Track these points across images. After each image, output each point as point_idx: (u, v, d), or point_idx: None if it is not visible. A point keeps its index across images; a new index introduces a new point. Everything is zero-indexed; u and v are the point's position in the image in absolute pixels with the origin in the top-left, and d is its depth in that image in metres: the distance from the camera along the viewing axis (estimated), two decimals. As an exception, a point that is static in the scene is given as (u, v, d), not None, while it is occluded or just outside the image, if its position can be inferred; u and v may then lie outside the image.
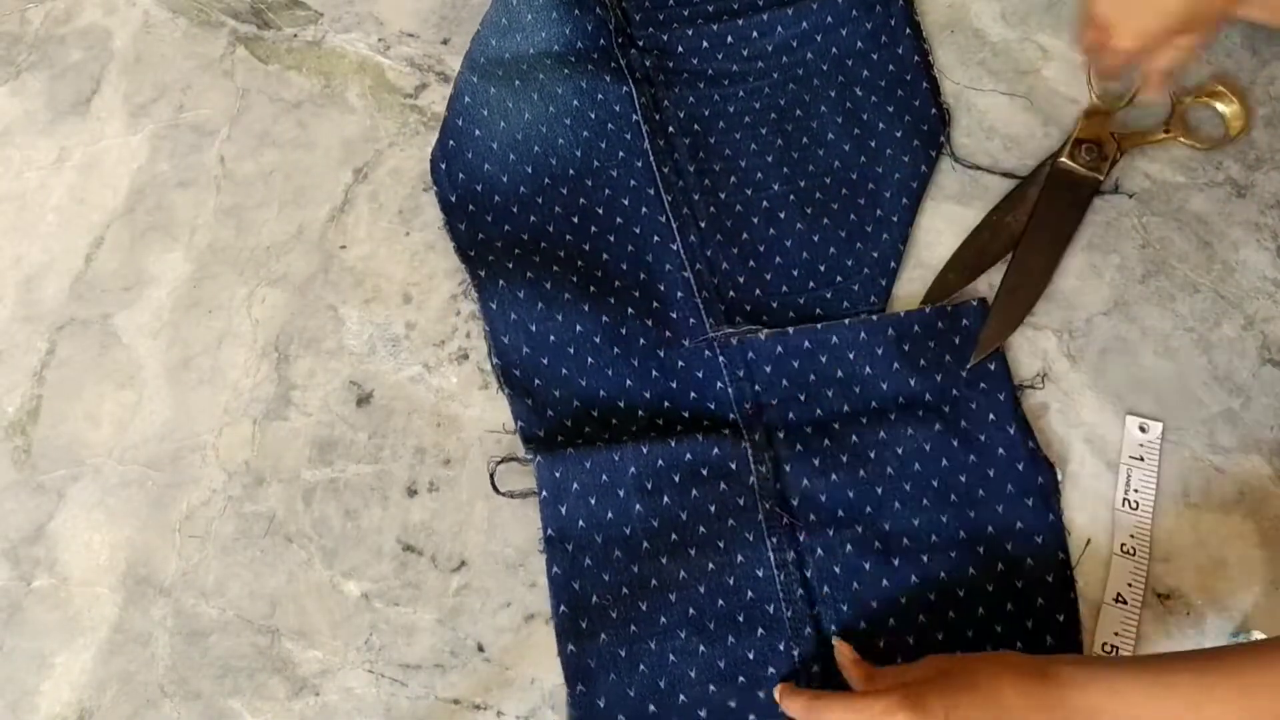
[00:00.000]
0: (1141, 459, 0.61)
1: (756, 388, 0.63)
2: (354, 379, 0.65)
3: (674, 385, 0.64)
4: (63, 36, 0.76)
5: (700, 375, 0.64)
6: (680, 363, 0.64)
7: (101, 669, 0.60)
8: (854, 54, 0.71)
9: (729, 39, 0.72)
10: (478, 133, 0.70)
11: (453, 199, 0.68)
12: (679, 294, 0.66)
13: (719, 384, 0.63)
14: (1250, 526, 0.59)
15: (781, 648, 0.57)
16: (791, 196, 0.68)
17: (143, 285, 0.68)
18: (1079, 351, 0.64)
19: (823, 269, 0.67)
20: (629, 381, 0.64)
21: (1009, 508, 0.60)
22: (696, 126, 0.70)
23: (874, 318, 0.64)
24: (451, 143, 0.70)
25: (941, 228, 0.67)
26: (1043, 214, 0.66)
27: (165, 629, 0.61)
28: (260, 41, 0.75)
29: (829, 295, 0.66)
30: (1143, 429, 0.61)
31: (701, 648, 0.57)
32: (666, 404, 0.63)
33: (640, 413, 0.63)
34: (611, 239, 0.67)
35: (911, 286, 0.66)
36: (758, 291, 0.66)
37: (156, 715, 0.59)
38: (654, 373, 0.64)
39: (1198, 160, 0.68)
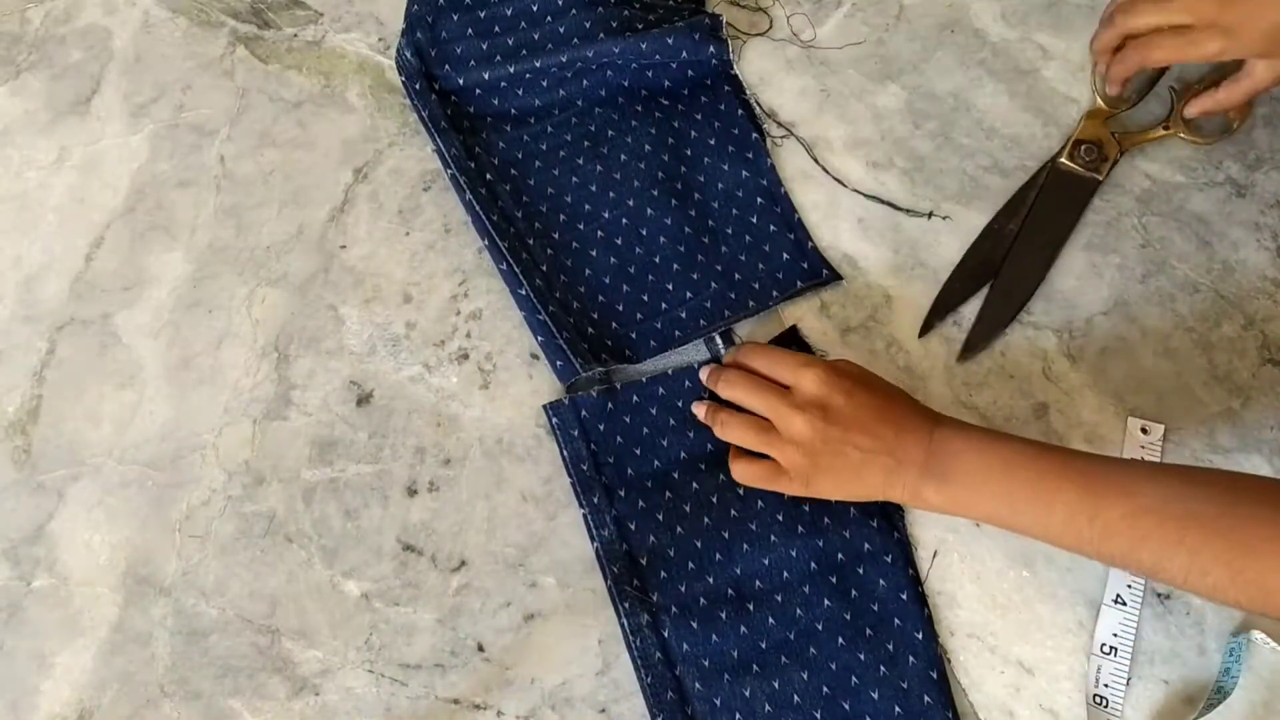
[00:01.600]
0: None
1: (592, 446, 0.62)
2: (354, 379, 0.65)
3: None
4: (63, 36, 0.76)
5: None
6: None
7: (102, 669, 0.60)
8: (655, 66, 0.70)
9: (527, 75, 0.70)
10: None
11: None
12: (540, 338, 0.64)
13: (552, 448, 0.63)
14: (1250, 526, 0.59)
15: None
16: (624, 220, 0.68)
17: (143, 285, 0.68)
18: (1079, 351, 0.64)
19: (670, 288, 0.66)
20: None
21: (855, 532, 0.59)
22: (513, 170, 0.69)
23: (695, 363, 0.63)
24: None
25: (940, 227, 0.67)
26: (1039, 214, 0.66)
27: (165, 629, 0.61)
28: (260, 41, 0.75)
29: (683, 314, 0.65)
30: (1144, 430, 0.61)
31: None
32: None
33: None
34: None
35: (913, 287, 0.66)
36: (614, 324, 0.65)
37: (156, 715, 0.59)
38: None
39: (1198, 160, 0.67)
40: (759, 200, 0.68)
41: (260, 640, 0.60)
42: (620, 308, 0.66)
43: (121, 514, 0.63)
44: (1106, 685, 0.57)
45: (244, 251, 0.69)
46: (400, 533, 0.62)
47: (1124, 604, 0.58)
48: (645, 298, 0.66)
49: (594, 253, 0.67)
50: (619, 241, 0.67)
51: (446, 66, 0.71)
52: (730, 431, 0.59)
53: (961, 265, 0.66)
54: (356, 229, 0.69)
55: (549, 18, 0.72)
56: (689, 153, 0.69)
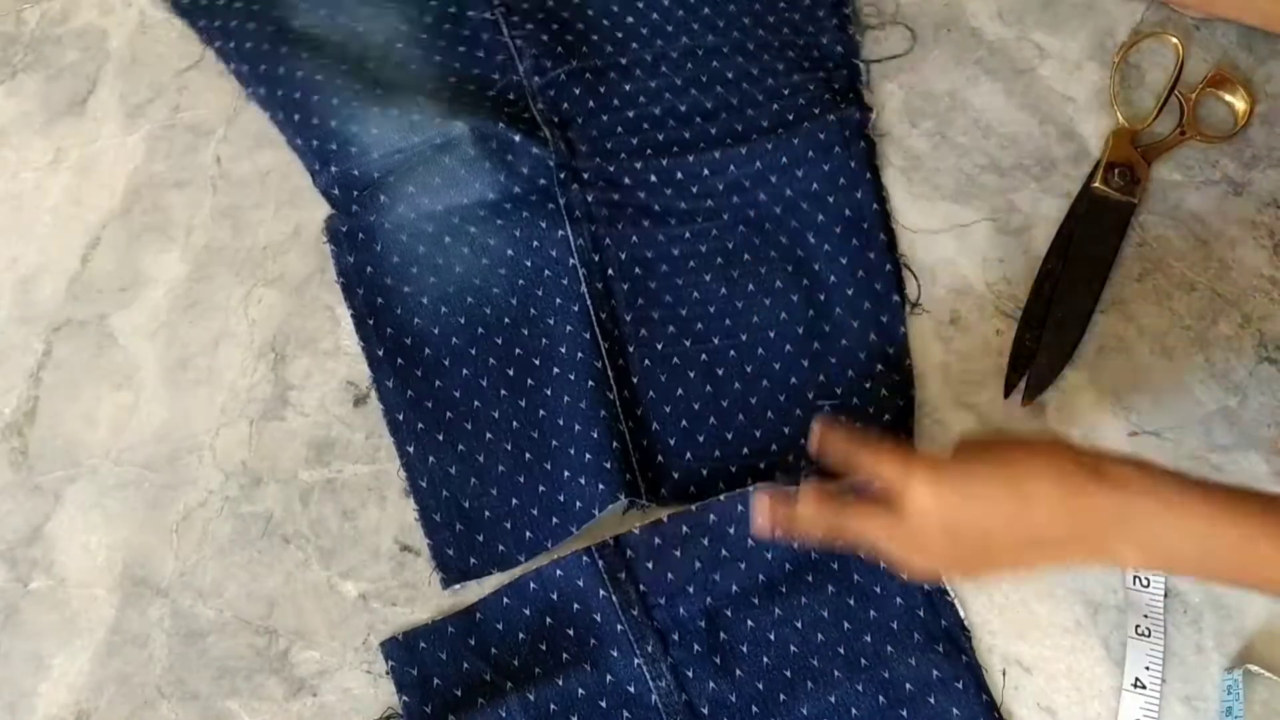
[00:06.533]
0: None
1: (641, 588, 0.58)
2: (351, 379, 0.65)
3: (555, 597, 0.59)
4: (58, 37, 0.75)
5: (581, 584, 0.59)
6: (559, 571, 0.59)
7: (99, 670, 0.60)
8: (809, 197, 0.67)
9: (678, 174, 0.67)
10: (407, 289, 0.66)
11: (380, 353, 0.64)
12: (615, 444, 0.61)
13: (601, 592, 0.58)
14: (1247, 524, 0.59)
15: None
16: (732, 352, 0.64)
17: (139, 286, 0.68)
18: (1076, 350, 0.64)
19: (758, 434, 0.63)
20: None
21: (921, 659, 0.57)
22: (637, 269, 0.66)
23: (750, 488, 0.59)
24: (380, 300, 0.66)
25: (938, 226, 0.67)
26: (1080, 246, 0.65)
27: (163, 630, 0.60)
28: (256, 41, 0.75)
29: (762, 466, 0.62)
30: None
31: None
32: (548, 621, 0.59)
33: (538, 645, 0.58)
34: (548, 391, 0.63)
35: (910, 285, 0.66)
36: (689, 455, 0.62)
37: (154, 716, 0.59)
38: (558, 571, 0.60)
39: (1195, 158, 0.68)
40: (879, 368, 0.63)
41: (258, 641, 0.60)
42: (701, 439, 0.63)
43: (118, 515, 0.63)
44: None
45: (240, 252, 0.69)
46: (398, 533, 0.62)
47: (1144, 688, 0.56)
48: (729, 435, 0.63)
49: (692, 374, 0.64)
50: (720, 372, 0.64)
51: (598, 159, 0.68)
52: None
53: (1026, 313, 0.64)
54: (353, 229, 0.69)
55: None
56: (821, 298, 0.65)
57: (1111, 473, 0.45)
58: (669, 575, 0.59)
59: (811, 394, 0.63)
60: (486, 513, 0.61)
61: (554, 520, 0.61)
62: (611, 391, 0.62)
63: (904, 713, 0.56)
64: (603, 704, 0.57)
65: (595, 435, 0.61)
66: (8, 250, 0.70)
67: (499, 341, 0.65)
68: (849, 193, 0.67)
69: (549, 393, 0.63)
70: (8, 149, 0.72)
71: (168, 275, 0.68)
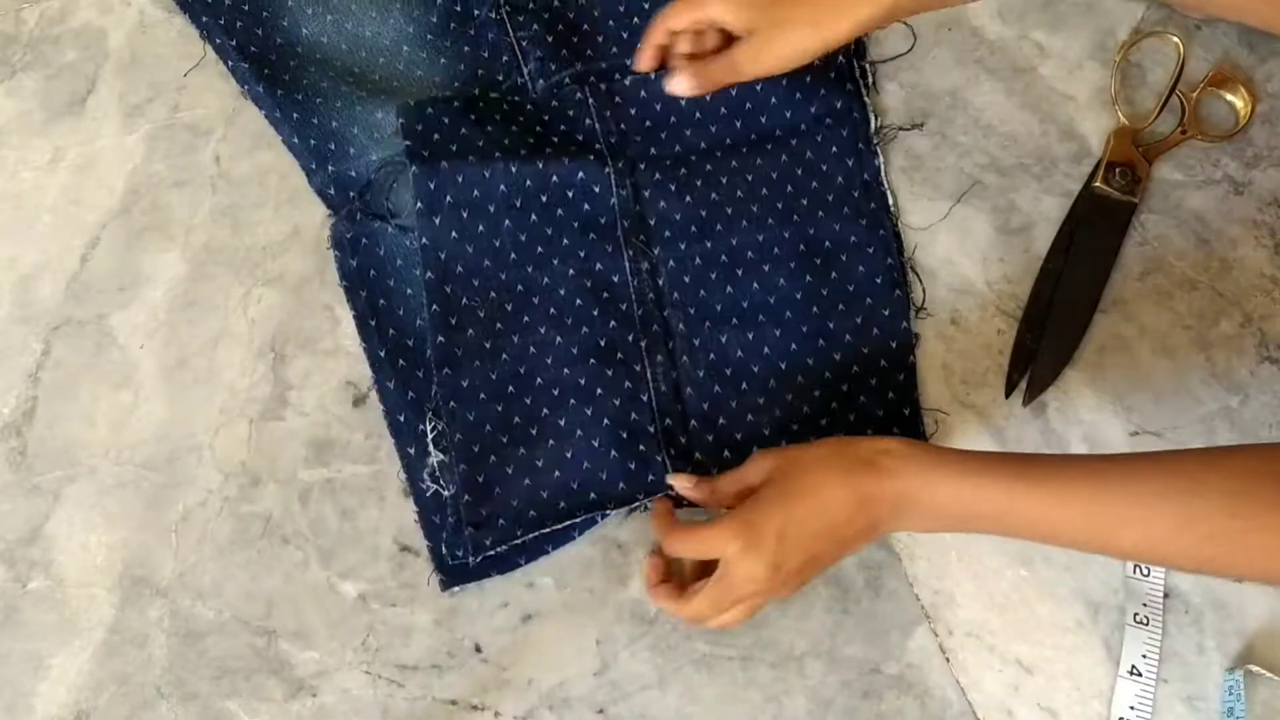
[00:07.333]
0: None
1: (621, 125, 0.68)
2: (350, 379, 0.65)
3: (545, 118, 0.68)
4: (57, 36, 0.75)
5: (571, 114, 0.68)
6: (554, 102, 0.68)
7: (98, 670, 0.60)
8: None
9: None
10: (409, 291, 0.66)
11: (382, 354, 0.65)
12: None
13: (586, 120, 0.68)
14: (1249, 524, 0.59)
15: (630, 339, 0.64)
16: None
17: (138, 286, 0.68)
18: (1077, 350, 0.64)
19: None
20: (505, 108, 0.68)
21: (844, 226, 0.66)
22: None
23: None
24: (382, 301, 0.66)
25: (938, 226, 0.67)
26: (1081, 246, 0.65)
27: (162, 630, 0.60)
28: (256, 41, 0.75)
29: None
30: None
31: (559, 338, 0.63)
32: (538, 129, 0.68)
33: (513, 128, 0.67)
34: (551, 394, 0.63)
35: (916, 292, 0.66)
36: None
37: (153, 716, 0.59)
38: (529, 106, 0.68)
39: (1196, 158, 0.67)
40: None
41: (257, 641, 0.60)
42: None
43: (117, 515, 0.63)
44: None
45: (240, 252, 0.69)
46: (397, 533, 0.62)
47: (1140, 675, 0.57)
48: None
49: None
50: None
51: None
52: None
53: (1026, 314, 0.64)
54: (353, 229, 0.69)
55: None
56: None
57: (885, 464, 0.51)
58: (647, 121, 0.68)
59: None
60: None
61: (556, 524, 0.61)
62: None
63: (818, 261, 0.65)
64: (570, 194, 0.66)
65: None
66: (7, 250, 0.70)
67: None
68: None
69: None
70: (7, 149, 0.72)
71: (167, 275, 0.68)
